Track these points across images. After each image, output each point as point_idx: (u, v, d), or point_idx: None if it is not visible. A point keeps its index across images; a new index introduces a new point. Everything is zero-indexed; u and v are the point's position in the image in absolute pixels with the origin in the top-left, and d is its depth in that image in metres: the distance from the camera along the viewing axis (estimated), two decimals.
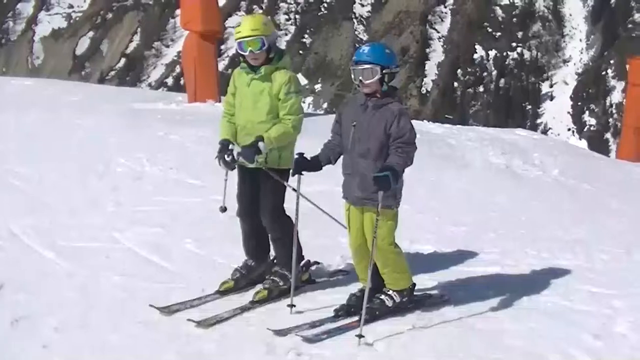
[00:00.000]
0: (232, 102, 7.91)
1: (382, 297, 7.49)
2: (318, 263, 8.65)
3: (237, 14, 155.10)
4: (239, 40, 7.53)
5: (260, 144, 7.43)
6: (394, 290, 7.49)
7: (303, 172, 7.45)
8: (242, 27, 7.48)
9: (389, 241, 7.32)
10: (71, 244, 9.45)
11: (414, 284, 7.69)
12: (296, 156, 7.43)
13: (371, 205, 7.16)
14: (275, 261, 8.20)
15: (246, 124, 7.77)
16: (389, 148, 7.07)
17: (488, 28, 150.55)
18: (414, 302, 7.70)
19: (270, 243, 8.11)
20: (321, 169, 7.48)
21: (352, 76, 7.16)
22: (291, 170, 7.49)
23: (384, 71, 7.08)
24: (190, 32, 21.90)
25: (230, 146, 7.64)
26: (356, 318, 7.24)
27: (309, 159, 7.41)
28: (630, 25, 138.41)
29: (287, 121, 7.58)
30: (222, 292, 7.99)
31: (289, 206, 7.92)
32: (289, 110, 7.58)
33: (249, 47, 7.48)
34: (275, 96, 7.60)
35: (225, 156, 7.63)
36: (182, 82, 23.22)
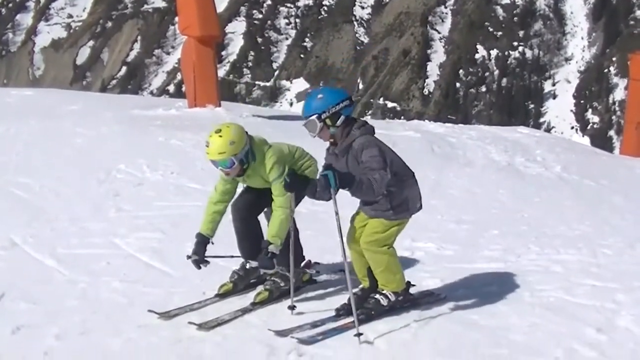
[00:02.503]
0: (223, 189, 7.89)
1: (377, 296, 7.45)
2: (318, 263, 8.63)
3: (237, 20, 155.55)
4: (209, 159, 7.56)
5: (271, 248, 7.46)
6: (388, 290, 7.46)
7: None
8: (210, 149, 7.44)
9: (385, 244, 7.29)
10: (72, 251, 9.44)
11: (409, 283, 7.65)
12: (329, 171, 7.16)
13: (384, 218, 7.20)
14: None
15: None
16: None
17: (489, 28, 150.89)
18: (409, 301, 7.66)
19: None
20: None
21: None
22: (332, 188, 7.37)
23: (322, 118, 7.00)
24: (189, 38, 21.88)
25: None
26: (352, 318, 7.23)
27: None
28: (631, 22, 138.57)
29: (277, 208, 7.55)
30: (222, 295, 7.97)
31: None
32: (275, 193, 7.58)
33: (220, 166, 7.53)
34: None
35: (193, 259, 7.83)
36: (183, 89, 23.26)
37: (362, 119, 7.23)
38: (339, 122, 7.05)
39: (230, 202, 7.93)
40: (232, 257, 8.23)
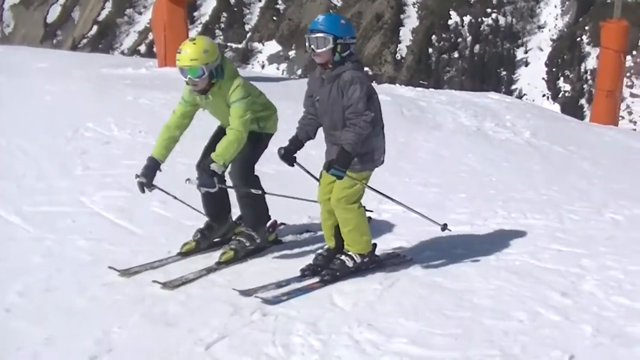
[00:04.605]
0: (183, 111, 7.81)
1: (343, 257, 7.47)
2: (284, 224, 8.63)
3: None
4: (179, 67, 7.42)
5: (213, 166, 7.36)
6: (353, 251, 7.46)
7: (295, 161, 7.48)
8: (182, 55, 7.35)
9: (354, 200, 7.28)
10: (38, 208, 9.34)
11: (375, 245, 7.67)
12: (281, 152, 7.38)
13: (350, 170, 7.14)
14: (240, 222, 8.16)
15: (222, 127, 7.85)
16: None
17: None
18: (375, 262, 7.70)
19: (237, 203, 8.03)
20: (303, 145, 7.48)
21: (306, 44, 7.08)
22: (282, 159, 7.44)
23: (337, 41, 6.99)
24: None
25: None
26: (318, 279, 7.26)
27: (292, 147, 7.40)
28: None
29: (230, 129, 7.47)
30: (184, 254, 7.96)
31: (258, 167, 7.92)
32: (233, 115, 7.48)
33: (189, 74, 7.39)
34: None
35: (139, 180, 7.73)
36: (155, 49, 23.08)
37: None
38: (344, 54, 7.07)
39: (185, 129, 7.84)
40: (184, 203, 8.25)
